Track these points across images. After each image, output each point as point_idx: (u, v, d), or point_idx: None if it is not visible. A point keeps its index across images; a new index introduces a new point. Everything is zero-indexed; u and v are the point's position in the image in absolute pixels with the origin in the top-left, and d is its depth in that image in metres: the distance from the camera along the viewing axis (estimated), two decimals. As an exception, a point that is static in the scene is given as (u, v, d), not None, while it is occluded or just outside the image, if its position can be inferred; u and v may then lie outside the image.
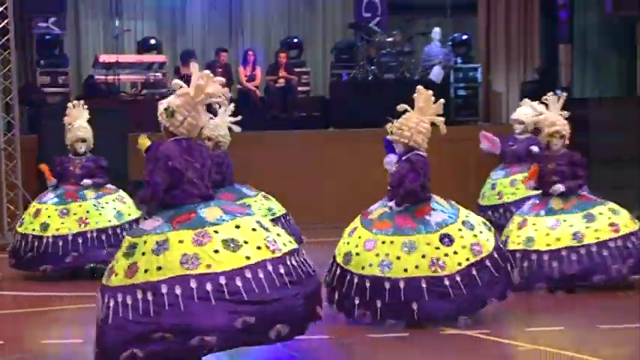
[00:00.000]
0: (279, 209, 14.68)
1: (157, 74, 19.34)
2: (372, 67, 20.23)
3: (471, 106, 20.64)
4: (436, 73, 20.23)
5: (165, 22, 21.18)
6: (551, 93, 12.57)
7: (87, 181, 12.99)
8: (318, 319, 8.03)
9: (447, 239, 9.95)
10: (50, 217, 12.57)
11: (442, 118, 10.72)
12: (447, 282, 9.59)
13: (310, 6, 21.93)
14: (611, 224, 11.71)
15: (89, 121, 12.97)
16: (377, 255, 9.89)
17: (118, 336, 7.60)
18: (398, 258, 9.83)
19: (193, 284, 7.58)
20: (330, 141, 17.24)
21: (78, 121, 12.94)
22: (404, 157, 10.40)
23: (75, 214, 12.57)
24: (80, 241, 12.46)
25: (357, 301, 9.91)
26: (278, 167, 17.57)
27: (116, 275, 7.78)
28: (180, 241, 7.77)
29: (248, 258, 7.78)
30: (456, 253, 9.74)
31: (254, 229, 8.08)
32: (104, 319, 7.67)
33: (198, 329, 7.56)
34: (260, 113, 19.17)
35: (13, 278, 12.30)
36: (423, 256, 9.74)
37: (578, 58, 20.24)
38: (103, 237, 12.61)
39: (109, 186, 13.38)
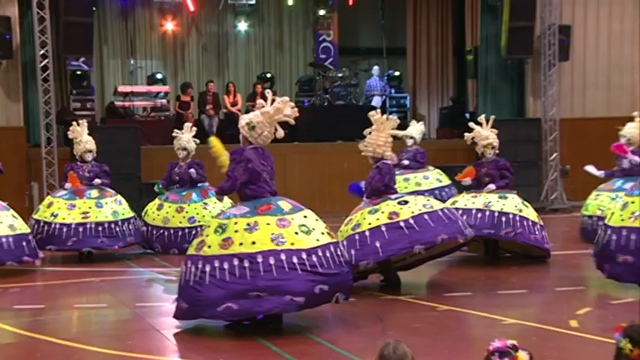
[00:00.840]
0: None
1: (162, 100, 19.25)
2: (327, 96, 20.18)
3: (401, 126, 20.52)
4: (376, 101, 20.27)
5: (169, 60, 21.02)
6: (483, 115, 13.38)
7: (97, 181, 13.05)
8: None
9: (402, 202, 10.31)
10: (60, 208, 12.63)
11: (398, 131, 11.89)
12: (402, 224, 9.88)
13: (280, 49, 21.77)
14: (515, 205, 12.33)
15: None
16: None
17: (216, 293, 7.95)
18: (364, 219, 10.21)
19: (283, 256, 8.05)
20: (295, 152, 17.12)
21: (84, 136, 13.04)
22: (375, 165, 10.68)
23: (79, 208, 12.67)
24: (81, 229, 12.53)
25: None
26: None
27: (209, 247, 8.16)
28: (268, 224, 8.21)
29: (318, 240, 8.40)
30: (409, 207, 10.02)
31: (316, 220, 8.75)
32: (199, 280, 8.08)
33: (289, 291, 7.99)
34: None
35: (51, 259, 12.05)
36: (383, 212, 10.04)
37: (482, 90, 20.17)
38: (100, 229, 12.67)
39: (110, 190, 13.41)
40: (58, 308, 9.90)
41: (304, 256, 8.21)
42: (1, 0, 16.69)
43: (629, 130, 13.57)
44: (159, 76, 20.02)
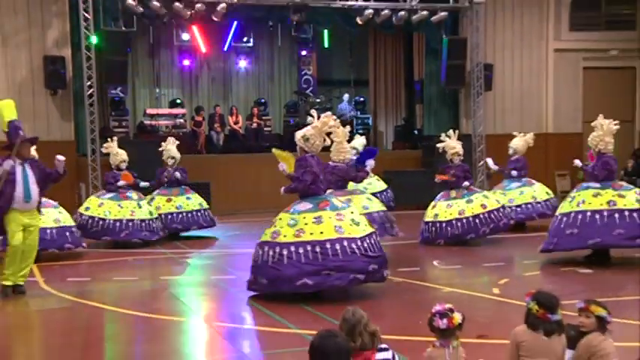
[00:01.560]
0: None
1: (180, 120, 19.22)
2: (308, 116, 20.17)
3: (367, 140, 20.65)
4: (346, 119, 20.23)
5: (186, 89, 20.98)
6: (451, 131, 13.33)
7: (145, 184, 13.44)
8: None
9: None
10: (111, 207, 12.54)
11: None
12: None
13: (271, 80, 21.75)
14: (482, 205, 12.33)
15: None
16: None
17: (294, 272, 8.01)
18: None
19: (345, 243, 8.17)
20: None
21: (118, 150, 13.00)
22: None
23: (127, 207, 12.64)
24: (130, 224, 12.54)
25: None
26: (252, 174, 17.44)
27: (285, 236, 8.21)
28: (330, 217, 8.29)
29: (364, 230, 8.49)
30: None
31: (361, 214, 8.98)
32: (277, 262, 8.15)
33: (352, 270, 8.14)
34: (242, 144, 19.04)
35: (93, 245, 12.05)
36: None
37: (426, 112, 20.25)
38: (142, 224, 12.66)
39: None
40: (100, 280, 9.99)
41: (359, 242, 8.32)
42: (57, 44, 16.68)
43: (514, 143, 14.19)
44: (178, 101, 19.98)
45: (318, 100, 20.90)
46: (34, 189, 8.53)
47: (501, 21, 19.93)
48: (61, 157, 8.89)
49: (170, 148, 13.71)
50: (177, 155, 13.78)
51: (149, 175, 13.73)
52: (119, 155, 13.03)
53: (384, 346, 4.57)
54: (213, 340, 7.29)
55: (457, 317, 4.85)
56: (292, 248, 8.12)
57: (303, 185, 8.48)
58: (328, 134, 8.77)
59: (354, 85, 21.69)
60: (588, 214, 10.21)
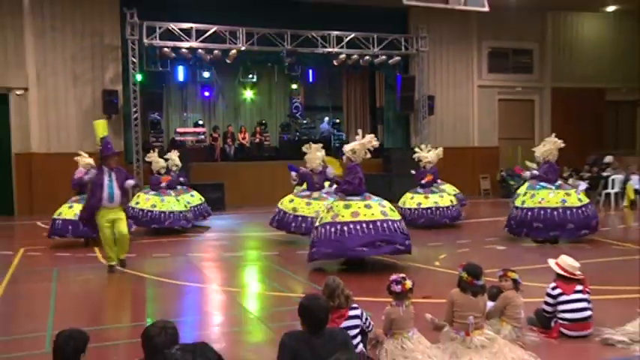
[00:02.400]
0: None
1: (202, 137, 19.09)
2: (297, 133, 20.19)
3: (341, 151, 20.57)
4: (326, 135, 20.21)
5: (206, 113, 20.88)
6: (423, 145, 13.51)
7: (181, 184, 13.33)
8: None
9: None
10: (156, 201, 12.22)
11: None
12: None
13: (270, 106, 21.66)
14: (450, 200, 12.52)
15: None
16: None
17: (354, 243, 7.97)
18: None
19: (390, 223, 8.25)
20: (279, 166, 16.95)
21: (158, 159, 12.96)
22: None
23: (169, 202, 12.31)
24: (172, 214, 12.21)
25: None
26: (255, 177, 17.43)
27: (343, 217, 8.13)
28: (376, 205, 8.38)
29: (396, 216, 8.56)
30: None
31: (389, 206, 8.65)
32: (339, 236, 8.02)
33: (396, 242, 8.21)
34: (248, 154, 19.02)
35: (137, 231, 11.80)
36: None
37: (386, 131, 20.21)
38: (181, 215, 12.34)
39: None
40: (143, 256, 9.89)
41: (398, 223, 8.40)
42: (112, 81, 16.68)
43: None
44: (200, 122, 19.88)
45: (305, 122, 20.95)
46: (117, 192, 8.45)
47: (439, 64, 20.03)
48: (130, 182, 8.85)
49: (174, 158, 13.32)
50: (179, 163, 13.47)
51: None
52: (159, 163, 12.92)
53: (355, 305, 4.62)
54: (224, 300, 7.30)
55: (408, 283, 4.89)
56: (351, 225, 8.08)
57: (353, 187, 8.46)
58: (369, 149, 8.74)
59: (332, 110, 21.64)
60: (549, 210, 10.27)
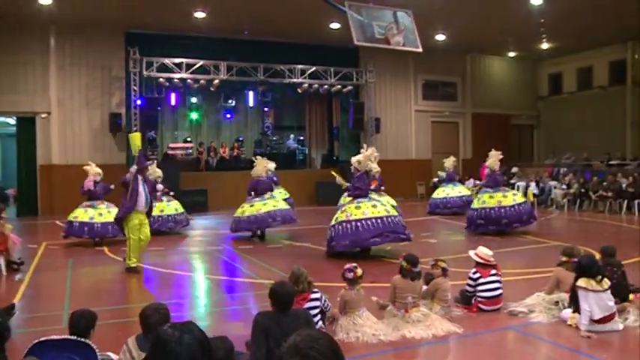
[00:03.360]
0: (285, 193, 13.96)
1: (189, 151, 18.72)
2: (268, 148, 20.02)
3: (304, 163, 20.59)
4: (292, 150, 20.15)
5: (193, 132, 20.50)
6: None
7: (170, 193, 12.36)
8: None
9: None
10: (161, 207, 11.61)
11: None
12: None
13: (246, 126, 21.36)
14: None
15: (165, 169, 12.59)
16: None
17: (367, 235, 8.11)
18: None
19: (394, 218, 8.40)
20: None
21: (156, 169, 11.85)
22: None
23: (158, 206, 11.36)
24: (160, 218, 11.47)
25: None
26: (234, 185, 17.22)
27: (355, 215, 8.20)
28: (380, 204, 8.57)
29: (397, 213, 8.73)
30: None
31: (391, 204, 9.25)
32: (354, 230, 8.12)
33: (400, 233, 8.35)
34: (227, 165, 18.76)
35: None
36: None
37: (341, 146, 20.25)
38: (169, 218, 11.70)
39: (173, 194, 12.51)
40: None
41: (399, 218, 8.49)
42: (117, 105, 16.45)
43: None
44: (188, 139, 19.55)
45: (274, 138, 20.78)
46: (149, 198, 8.07)
47: (384, 92, 20.20)
48: (159, 186, 8.49)
49: (156, 170, 12.09)
50: (161, 174, 12.36)
51: (172, 184, 13.56)
52: (157, 173, 12.03)
53: (315, 290, 4.62)
54: (208, 286, 7.21)
55: (359, 271, 4.92)
56: (363, 221, 8.16)
57: (360, 192, 8.54)
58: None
59: (297, 129, 21.55)
60: (489, 210, 10.57)
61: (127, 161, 16.28)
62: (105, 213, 10.30)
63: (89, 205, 10.48)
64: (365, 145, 9.26)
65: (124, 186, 7.79)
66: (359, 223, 8.13)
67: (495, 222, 10.53)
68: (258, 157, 11.50)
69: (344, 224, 8.25)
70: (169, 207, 11.96)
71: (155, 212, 11.07)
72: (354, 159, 8.75)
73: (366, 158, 8.64)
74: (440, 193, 14.13)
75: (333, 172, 9.57)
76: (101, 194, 10.61)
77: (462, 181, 16.37)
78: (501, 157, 11.10)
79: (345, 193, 9.48)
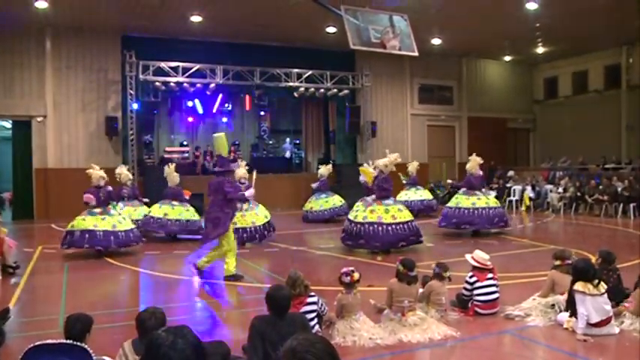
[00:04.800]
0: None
1: (185, 155, 18.79)
2: (265, 152, 20.05)
3: (300, 167, 20.57)
4: (287, 154, 20.13)
5: (189, 135, 20.55)
6: (369, 162, 12.24)
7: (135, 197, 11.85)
8: None
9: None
10: (167, 210, 11.05)
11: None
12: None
13: (242, 130, 21.40)
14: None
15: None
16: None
17: (396, 238, 8.91)
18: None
19: (414, 222, 9.27)
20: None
21: (172, 173, 11.55)
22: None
23: (177, 210, 11.10)
24: (177, 222, 11.07)
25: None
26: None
27: (385, 219, 8.89)
28: (387, 210, 9.05)
29: (410, 216, 9.26)
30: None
31: (405, 208, 9.42)
32: (385, 233, 8.80)
33: (419, 235, 9.18)
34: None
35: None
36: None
37: (338, 149, 20.15)
38: (177, 223, 11.07)
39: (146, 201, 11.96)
40: (140, 253, 9.56)
41: (415, 222, 9.34)
42: (114, 109, 16.39)
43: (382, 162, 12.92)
44: (184, 143, 19.61)
45: (271, 142, 20.85)
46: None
47: (380, 96, 20.21)
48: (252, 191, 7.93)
49: (127, 173, 11.98)
50: (131, 177, 12.09)
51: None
52: (175, 177, 11.59)
53: (312, 294, 4.61)
54: (204, 290, 7.18)
55: (356, 275, 4.92)
56: (393, 226, 8.88)
57: (387, 193, 9.21)
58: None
59: (293, 133, 21.62)
60: (463, 209, 10.97)
61: (124, 163, 16.30)
62: (112, 219, 9.47)
63: (98, 211, 9.46)
64: (387, 151, 9.83)
65: (219, 193, 7.21)
66: (389, 227, 8.82)
67: (468, 222, 10.96)
68: (241, 162, 11.33)
69: (375, 226, 8.86)
70: (188, 211, 11.38)
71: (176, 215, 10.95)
72: (380, 162, 9.35)
73: (392, 163, 9.28)
74: (402, 196, 14.47)
75: (361, 169, 10.46)
76: (114, 199, 9.93)
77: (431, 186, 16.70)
78: (481, 162, 11.48)
79: (373, 195, 9.50)
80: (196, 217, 11.34)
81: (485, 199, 11.12)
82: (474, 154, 11.54)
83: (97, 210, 9.48)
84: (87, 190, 9.53)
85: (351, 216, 9.44)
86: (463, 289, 5.54)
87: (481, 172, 11.49)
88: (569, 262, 5.43)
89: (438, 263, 5.44)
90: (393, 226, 8.81)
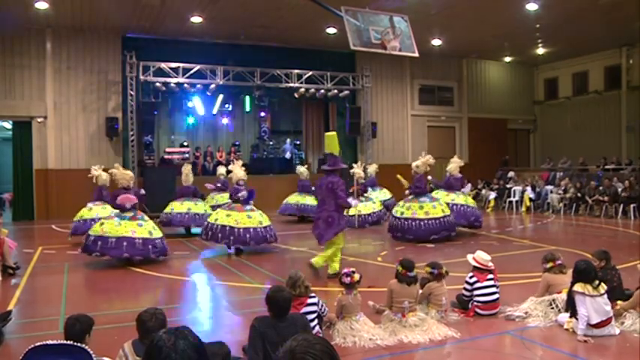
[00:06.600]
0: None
1: (186, 155, 18.68)
2: (265, 152, 20.04)
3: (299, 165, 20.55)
4: (287, 155, 20.12)
5: (189, 136, 20.50)
6: (359, 163, 13.76)
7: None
8: None
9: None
10: (175, 207, 11.59)
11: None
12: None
13: (242, 131, 21.37)
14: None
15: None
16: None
17: (427, 232, 9.95)
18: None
19: (448, 217, 10.15)
20: (249, 180, 16.84)
21: (188, 174, 11.94)
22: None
23: (196, 207, 11.75)
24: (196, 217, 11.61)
25: None
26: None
27: (419, 214, 10.03)
28: (439, 204, 10.21)
29: (447, 211, 10.25)
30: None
31: (441, 204, 10.18)
32: (417, 227, 9.98)
33: (452, 230, 10.18)
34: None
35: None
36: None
37: (339, 151, 20.22)
38: (204, 216, 11.08)
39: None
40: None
41: (449, 217, 10.16)
42: (114, 110, 16.41)
43: (356, 170, 13.31)
44: (185, 143, 19.54)
45: (271, 143, 20.77)
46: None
47: (381, 97, 20.24)
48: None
49: (125, 172, 11.79)
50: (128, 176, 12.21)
51: (169, 189, 13.55)
52: (190, 176, 11.83)
53: (313, 294, 4.61)
54: (205, 291, 7.18)
55: (356, 276, 4.92)
56: (426, 220, 9.82)
57: (421, 190, 10.15)
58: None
59: (294, 134, 21.60)
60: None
61: (124, 166, 16.28)
62: (147, 225, 8.69)
63: (129, 215, 8.64)
64: (423, 153, 10.58)
65: (333, 193, 7.10)
66: (422, 222, 9.82)
67: None
68: (235, 161, 11.08)
69: (409, 221, 9.93)
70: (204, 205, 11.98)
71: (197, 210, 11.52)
72: (413, 164, 10.28)
73: (424, 164, 9.99)
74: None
75: (399, 176, 11.51)
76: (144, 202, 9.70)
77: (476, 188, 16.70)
78: (462, 164, 11.89)
79: (406, 191, 10.69)
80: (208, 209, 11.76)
81: (464, 198, 11.43)
82: (456, 156, 11.82)
83: (129, 214, 8.54)
84: (116, 192, 8.82)
85: (395, 212, 10.54)
86: (463, 289, 5.54)
87: (460, 175, 11.74)
88: (560, 262, 5.60)
89: (432, 264, 5.42)
90: (426, 221, 9.78)
